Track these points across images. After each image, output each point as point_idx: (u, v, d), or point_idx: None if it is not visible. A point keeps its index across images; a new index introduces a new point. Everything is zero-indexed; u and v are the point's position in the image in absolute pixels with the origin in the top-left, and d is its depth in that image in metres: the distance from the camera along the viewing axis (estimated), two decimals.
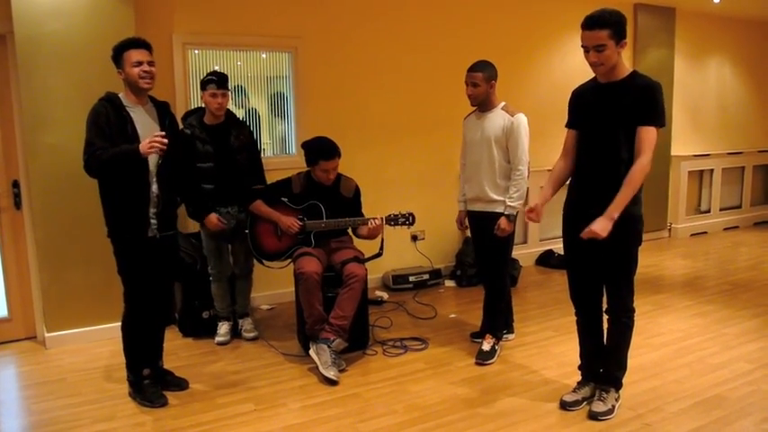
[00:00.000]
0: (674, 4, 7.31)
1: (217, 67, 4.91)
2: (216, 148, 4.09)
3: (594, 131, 3.04)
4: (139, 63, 3.19)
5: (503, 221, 3.80)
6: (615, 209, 2.88)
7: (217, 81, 4.00)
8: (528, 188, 4.08)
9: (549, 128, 6.26)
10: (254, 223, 4.15)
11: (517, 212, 3.86)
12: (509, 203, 3.82)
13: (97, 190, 3.26)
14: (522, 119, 3.80)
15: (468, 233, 4.55)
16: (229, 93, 4.14)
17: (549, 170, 6.07)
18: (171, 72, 4.67)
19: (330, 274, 4.00)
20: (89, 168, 3.15)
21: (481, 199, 3.93)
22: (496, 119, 3.84)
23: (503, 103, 3.89)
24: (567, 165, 3.22)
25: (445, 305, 5.11)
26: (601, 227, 2.86)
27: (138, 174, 3.22)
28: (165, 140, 3.09)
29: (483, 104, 3.89)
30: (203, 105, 4.13)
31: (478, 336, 4.19)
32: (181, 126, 4.10)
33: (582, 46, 2.92)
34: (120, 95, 3.26)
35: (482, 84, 3.79)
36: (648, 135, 2.87)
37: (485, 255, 4.04)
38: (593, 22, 2.85)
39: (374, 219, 3.98)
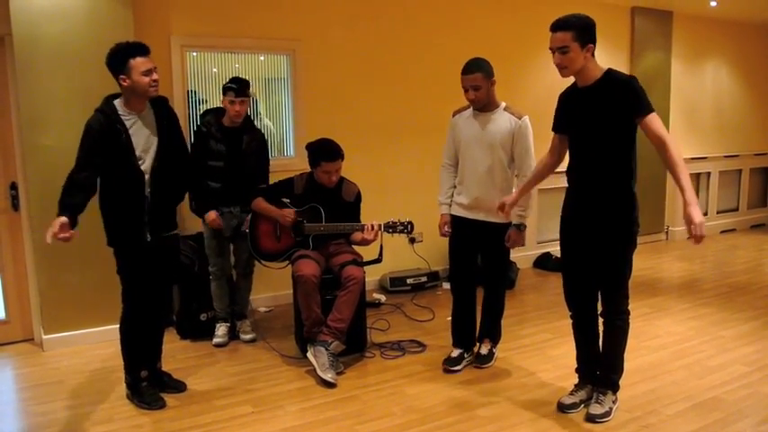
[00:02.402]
0: (672, 8, 7.33)
1: (215, 70, 4.92)
2: (228, 148, 4.16)
3: (583, 135, 3.07)
4: (149, 72, 3.14)
5: (513, 233, 3.62)
6: (691, 193, 2.75)
7: (236, 89, 4.06)
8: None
9: (546, 131, 6.27)
10: (254, 223, 4.15)
11: (526, 218, 3.64)
12: (519, 213, 3.59)
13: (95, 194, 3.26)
14: (528, 121, 3.61)
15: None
16: (249, 99, 4.19)
17: None
18: (169, 74, 4.67)
19: (328, 277, 4.00)
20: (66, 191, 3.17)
21: (481, 207, 3.69)
22: (501, 121, 3.61)
23: (504, 104, 3.67)
24: (550, 162, 3.30)
25: (443, 307, 5.10)
26: (699, 216, 2.71)
27: (133, 179, 3.22)
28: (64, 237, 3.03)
29: (485, 104, 3.65)
30: (221, 106, 4.21)
31: (454, 363, 3.89)
32: (198, 123, 4.26)
33: (549, 48, 2.97)
34: (116, 104, 3.19)
35: (484, 84, 3.53)
36: (655, 121, 2.87)
37: (469, 265, 3.82)
38: (557, 25, 2.92)
39: (372, 224, 3.97)
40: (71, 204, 3.09)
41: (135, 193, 3.23)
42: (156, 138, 3.30)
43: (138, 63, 3.12)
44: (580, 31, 2.88)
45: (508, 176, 3.69)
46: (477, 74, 3.53)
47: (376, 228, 3.95)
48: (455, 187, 3.86)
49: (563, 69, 2.96)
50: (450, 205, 3.86)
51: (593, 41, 2.92)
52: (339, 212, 4.09)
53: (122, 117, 3.18)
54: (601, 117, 2.95)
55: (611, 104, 2.92)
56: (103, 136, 3.12)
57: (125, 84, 3.15)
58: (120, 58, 3.12)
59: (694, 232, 2.71)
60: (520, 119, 3.61)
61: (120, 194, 3.22)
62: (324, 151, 3.96)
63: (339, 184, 4.12)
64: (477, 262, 3.88)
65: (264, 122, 5.28)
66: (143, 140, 3.24)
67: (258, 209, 4.12)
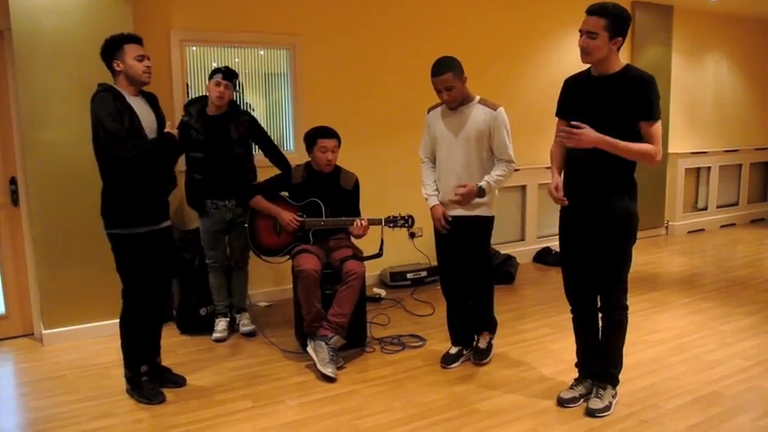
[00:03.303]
0: (672, 2, 7.32)
1: (215, 64, 4.91)
2: (209, 138, 4.13)
3: (589, 124, 3.04)
4: (142, 57, 3.21)
5: (470, 186, 3.47)
6: (608, 142, 2.88)
7: (224, 72, 4.09)
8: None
9: (547, 125, 6.27)
10: (253, 218, 4.15)
11: (487, 194, 3.54)
12: (488, 180, 3.52)
13: (95, 186, 3.26)
14: (504, 112, 3.55)
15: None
16: (233, 88, 4.17)
17: (547, 167, 6.10)
18: (168, 69, 4.67)
19: (328, 272, 4.00)
20: (126, 154, 3.11)
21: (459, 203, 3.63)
22: (477, 114, 3.55)
23: (478, 97, 3.61)
24: (562, 154, 3.23)
25: (443, 302, 5.08)
26: (591, 137, 2.88)
27: (145, 166, 3.23)
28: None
29: (459, 103, 3.59)
30: (207, 94, 4.19)
31: (452, 360, 3.88)
32: (181, 114, 4.24)
33: (579, 30, 2.95)
34: (115, 87, 3.23)
35: (456, 83, 3.47)
36: (655, 129, 2.90)
37: (456, 263, 3.77)
38: (593, 9, 2.90)
39: (361, 219, 3.96)
40: (152, 141, 3.25)
41: (149, 172, 3.25)
42: (156, 122, 3.35)
43: (132, 48, 3.20)
44: (613, 21, 2.86)
45: (486, 171, 3.61)
46: (448, 74, 3.46)
47: (365, 223, 3.95)
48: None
49: (585, 55, 2.94)
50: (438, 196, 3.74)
51: (623, 36, 2.91)
52: (338, 201, 4.10)
53: (125, 97, 3.22)
54: (612, 109, 2.94)
55: (624, 99, 2.91)
56: (119, 110, 3.13)
57: (119, 68, 3.21)
58: (114, 44, 3.21)
59: (576, 133, 2.89)
60: (495, 110, 3.55)
61: (133, 174, 3.20)
62: (319, 129, 4.04)
63: (337, 173, 4.13)
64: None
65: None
66: (147, 121, 3.27)
67: (259, 207, 4.12)
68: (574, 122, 2.94)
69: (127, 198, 3.23)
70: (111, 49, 3.20)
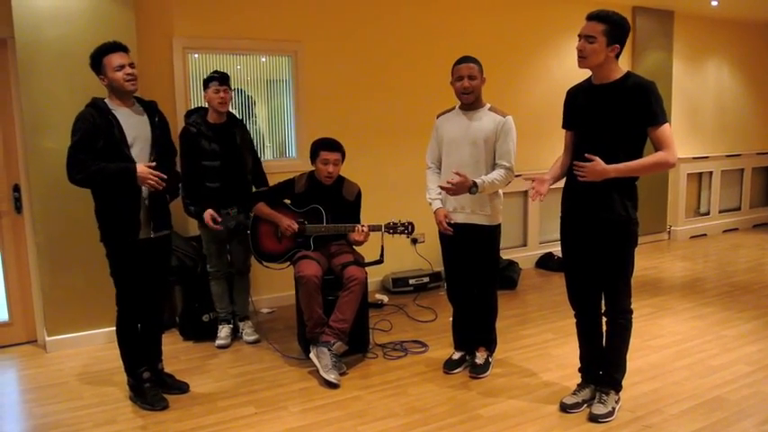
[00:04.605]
0: (673, 7, 7.33)
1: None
2: (222, 147, 4.15)
3: (589, 133, 3.06)
4: (121, 66, 3.19)
5: (464, 178, 3.39)
6: (616, 169, 2.92)
7: (219, 78, 4.10)
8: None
9: (548, 130, 6.28)
10: (255, 224, 4.16)
11: (479, 192, 3.45)
12: (483, 178, 3.46)
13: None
14: (512, 120, 3.58)
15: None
16: (230, 92, 4.19)
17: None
18: (171, 76, 4.68)
19: (330, 278, 4.00)
20: (73, 176, 3.15)
21: (464, 208, 3.65)
22: (485, 120, 3.59)
23: (489, 105, 3.66)
24: (567, 162, 3.24)
25: (445, 308, 5.09)
26: (597, 170, 2.92)
27: (100, 188, 3.25)
28: (163, 183, 3.21)
29: (473, 102, 3.62)
30: (205, 105, 4.21)
31: (454, 366, 3.89)
32: (183, 124, 4.23)
33: (578, 35, 2.99)
34: (105, 100, 3.26)
35: (479, 76, 3.56)
36: (663, 132, 2.91)
37: (462, 270, 3.78)
38: (593, 14, 2.95)
39: (362, 226, 3.97)
40: (105, 167, 3.15)
41: (131, 187, 3.23)
42: (150, 130, 3.35)
43: (111, 60, 3.19)
44: (612, 27, 2.90)
45: None
46: (474, 64, 3.57)
47: (366, 230, 3.96)
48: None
49: (582, 59, 2.97)
50: (442, 200, 3.75)
51: (621, 44, 2.94)
52: (340, 211, 4.10)
53: (112, 110, 3.23)
54: (613, 117, 2.96)
55: (625, 107, 2.92)
56: (97, 129, 3.15)
57: (104, 83, 3.24)
58: (96, 59, 3.22)
59: (582, 170, 2.95)
60: (504, 117, 3.59)
61: (117, 188, 3.21)
62: (323, 141, 4.05)
63: (340, 184, 4.14)
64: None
65: (258, 125, 5.28)
66: (133, 132, 3.27)
67: (261, 214, 4.13)
68: (588, 155, 2.96)
69: (106, 210, 3.26)
70: (94, 65, 3.22)
